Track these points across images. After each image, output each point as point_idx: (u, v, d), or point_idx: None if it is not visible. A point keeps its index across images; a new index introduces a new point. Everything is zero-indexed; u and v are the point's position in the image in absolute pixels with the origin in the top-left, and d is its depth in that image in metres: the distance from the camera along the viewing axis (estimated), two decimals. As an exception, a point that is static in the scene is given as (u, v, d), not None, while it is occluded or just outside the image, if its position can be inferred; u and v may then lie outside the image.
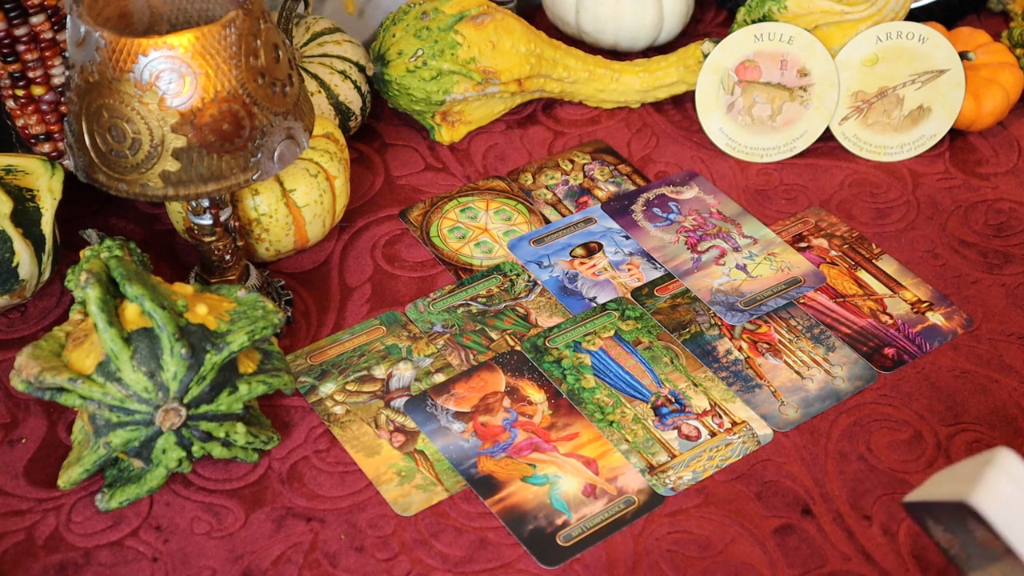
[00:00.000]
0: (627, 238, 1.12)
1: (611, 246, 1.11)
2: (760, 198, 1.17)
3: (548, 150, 1.22)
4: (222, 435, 0.88)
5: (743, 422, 0.96)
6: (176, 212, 1.03)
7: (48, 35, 1.01)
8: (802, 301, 1.06)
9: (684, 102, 1.28)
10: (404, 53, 1.17)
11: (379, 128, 1.24)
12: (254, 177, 0.86)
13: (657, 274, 1.08)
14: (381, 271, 1.08)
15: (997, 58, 1.23)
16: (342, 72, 1.14)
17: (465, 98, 1.19)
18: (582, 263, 1.09)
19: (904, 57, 1.19)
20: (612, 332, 1.03)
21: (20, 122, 1.05)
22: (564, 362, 1.00)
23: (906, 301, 1.06)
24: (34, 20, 1.00)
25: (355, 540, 0.87)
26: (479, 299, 1.06)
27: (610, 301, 1.06)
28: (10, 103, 1.04)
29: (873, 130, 1.21)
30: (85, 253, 0.94)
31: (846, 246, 1.12)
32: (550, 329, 1.03)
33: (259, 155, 0.86)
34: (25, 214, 0.97)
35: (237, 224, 0.98)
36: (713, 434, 0.95)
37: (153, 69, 0.80)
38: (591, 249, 1.11)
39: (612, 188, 1.18)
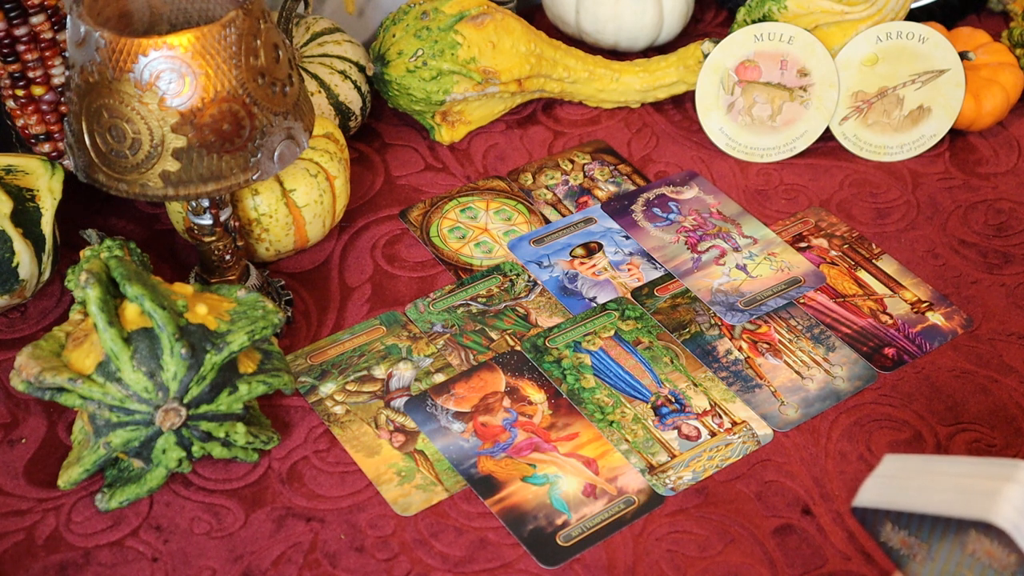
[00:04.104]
0: (627, 238, 1.12)
1: (611, 246, 1.11)
2: (760, 198, 1.17)
3: (548, 150, 1.22)
4: (222, 435, 0.88)
5: (743, 422, 0.96)
6: (176, 212, 1.03)
7: (48, 35, 1.01)
8: (802, 301, 1.06)
9: (684, 102, 1.28)
10: (404, 53, 1.17)
11: (379, 128, 1.24)
12: (254, 177, 0.86)
13: (657, 274, 1.08)
14: (381, 271, 1.08)
15: (997, 58, 1.23)
16: (342, 72, 1.14)
17: (465, 98, 1.19)
18: (582, 263, 1.09)
19: (904, 57, 1.18)
20: (612, 332, 1.03)
21: (20, 122, 1.05)
22: (564, 362, 1.00)
23: (906, 301, 1.06)
24: (34, 20, 0.99)
25: (355, 540, 0.87)
26: (479, 299, 1.06)
27: (610, 301, 1.06)
28: (10, 103, 1.04)
29: (873, 130, 1.21)
30: (85, 253, 0.94)
31: (846, 246, 1.12)
32: (550, 329, 1.03)
33: (259, 155, 0.86)
34: (25, 214, 0.97)
35: (237, 224, 0.98)
36: (713, 434, 0.95)
37: (153, 69, 0.80)
38: (591, 249, 1.11)
39: (612, 188, 1.18)
